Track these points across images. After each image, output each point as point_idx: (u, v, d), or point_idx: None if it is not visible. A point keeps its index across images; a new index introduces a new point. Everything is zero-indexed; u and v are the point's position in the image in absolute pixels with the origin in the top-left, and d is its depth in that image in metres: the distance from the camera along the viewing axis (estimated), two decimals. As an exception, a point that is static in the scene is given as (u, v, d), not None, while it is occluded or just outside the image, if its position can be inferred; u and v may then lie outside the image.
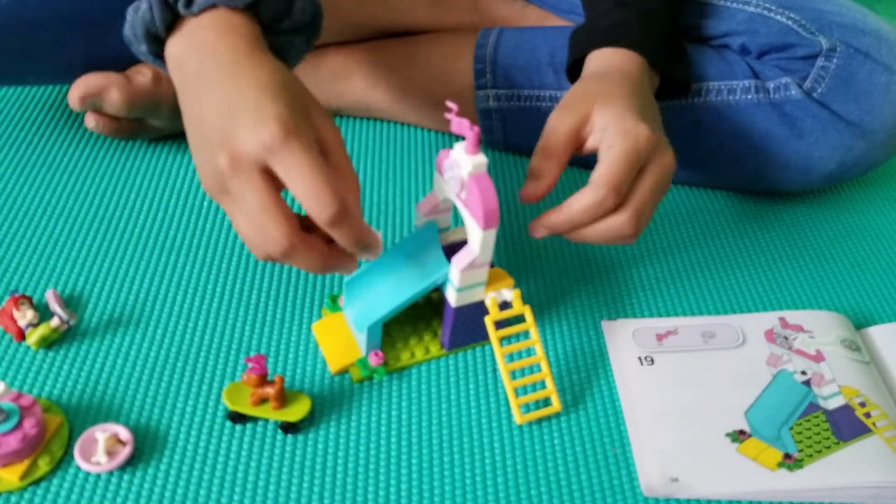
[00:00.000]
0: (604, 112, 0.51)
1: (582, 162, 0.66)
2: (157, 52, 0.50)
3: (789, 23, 0.66)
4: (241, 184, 0.43)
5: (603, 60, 0.59)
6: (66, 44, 0.64)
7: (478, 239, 0.49)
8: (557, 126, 0.52)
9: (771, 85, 0.66)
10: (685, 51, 0.67)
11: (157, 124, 0.70)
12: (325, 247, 0.45)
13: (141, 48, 0.49)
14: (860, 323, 0.62)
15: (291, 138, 0.41)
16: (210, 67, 0.46)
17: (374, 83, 0.75)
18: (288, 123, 0.42)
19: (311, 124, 0.44)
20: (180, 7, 0.47)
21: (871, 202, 0.75)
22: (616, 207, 0.50)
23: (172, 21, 0.48)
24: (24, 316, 0.54)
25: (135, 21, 0.48)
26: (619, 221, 0.50)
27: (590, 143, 0.52)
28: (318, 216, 0.42)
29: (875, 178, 0.78)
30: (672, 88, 0.65)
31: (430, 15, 0.76)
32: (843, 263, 0.68)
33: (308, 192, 0.42)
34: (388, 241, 0.65)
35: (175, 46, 0.48)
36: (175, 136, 0.73)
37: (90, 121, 0.68)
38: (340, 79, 0.75)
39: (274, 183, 0.43)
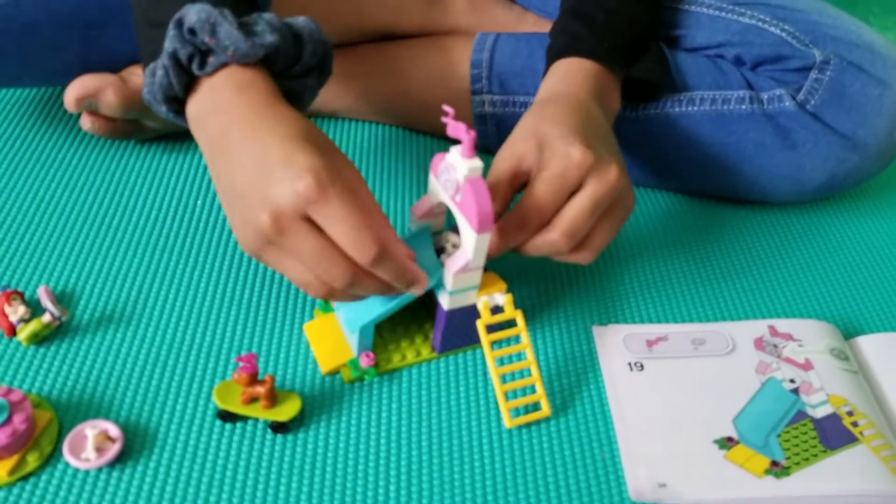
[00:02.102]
0: (537, 143, 0.53)
1: None
2: (178, 110, 0.51)
3: (783, 35, 0.67)
4: (292, 237, 0.44)
5: (551, 82, 0.60)
6: (61, 46, 0.64)
7: (471, 242, 0.50)
8: (497, 170, 0.54)
9: (765, 96, 0.67)
10: (654, 52, 0.66)
11: (152, 125, 0.70)
12: (378, 278, 0.47)
13: (161, 109, 0.50)
14: (849, 332, 0.62)
15: (327, 187, 0.43)
16: (232, 127, 0.47)
17: (370, 86, 0.76)
18: (320, 173, 0.43)
19: (339, 170, 0.45)
20: (195, 69, 0.48)
21: (861, 213, 0.76)
22: (544, 225, 0.52)
23: (189, 82, 0.49)
24: (16, 312, 0.54)
25: (153, 86, 0.49)
26: (550, 239, 0.51)
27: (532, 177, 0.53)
28: (361, 259, 0.44)
29: (866, 188, 0.79)
30: (642, 91, 0.66)
31: (426, 19, 0.76)
32: (833, 273, 0.68)
33: (349, 238, 0.44)
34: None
35: (195, 107, 0.49)
36: (168, 136, 0.73)
37: (86, 122, 0.68)
38: (336, 82, 0.75)
39: (317, 226, 0.45)
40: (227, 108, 0.47)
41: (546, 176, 0.51)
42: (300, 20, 0.51)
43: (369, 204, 0.46)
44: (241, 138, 0.46)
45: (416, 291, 0.49)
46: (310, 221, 0.44)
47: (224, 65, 0.48)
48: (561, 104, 0.57)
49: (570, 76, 0.60)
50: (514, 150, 0.54)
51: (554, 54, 0.62)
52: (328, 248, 0.44)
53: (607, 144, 0.55)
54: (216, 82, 0.48)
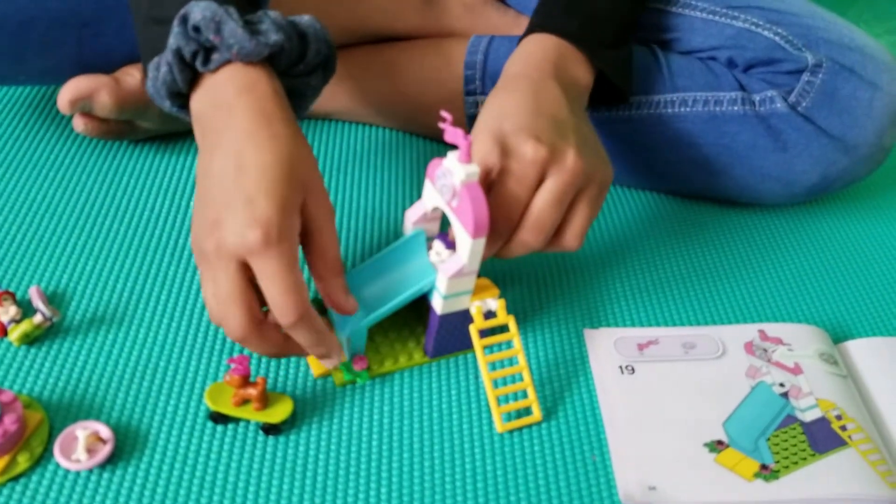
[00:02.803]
0: (491, 143, 0.52)
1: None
2: (183, 105, 0.51)
3: (776, 38, 0.67)
4: (218, 267, 0.45)
5: (514, 62, 0.59)
6: (56, 44, 0.64)
7: (467, 247, 0.50)
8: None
9: (757, 97, 0.67)
10: (626, 51, 0.65)
11: (146, 125, 0.70)
12: (280, 339, 0.48)
13: (165, 104, 0.51)
14: (838, 337, 0.63)
15: (272, 247, 0.44)
16: (225, 133, 0.47)
17: (364, 88, 0.76)
18: (271, 230, 0.44)
19: (302, 212, 0.46)
20: (198, 65, 0.48)
21: (852, 216, 0.76)
22: (514, 228, 0.52)
23: (193, 78, 0.49)
24: (7, 312, 0.53)
25: (156, 81, 0.49)
26: (521, 239, 0.52)
27: (491, 178, 0.53)
28: (280, 320, 0.46)
29: (856, 191, 0.79)
30: (612, 95, 0.65)
31: (421, 21, 0.76)
32: (823, 277, 0.69)
33: (274, 298, 0.45)
34: (376, 247, 0.65)
35: (197, 103, 0.49)
36: (161, 136, 0.73)
37: (79, 124, 0.67)
38: (332, 84, 0.75)
39: (249, 273, 0.46)
40: (225, 109, 0.47)
41: (504, 180, 0.51)
42: (305, 19, 0.51)
43: (325, 248, 0.48)
44: (227, 150, 0.46)
45: (327, 364, 0.51)
46: (244, 266, 0.45)
47: (228, 62, 0.48)
48: (514, 92, 0.56)
49: (530, 55, 0.59)
50: (475, 153, 0.53)
51: (525, 32, 0.62)
52: (238, 298, 0.45)
53: (563, 128, 0.53)
54: (219, 80, 0.48)
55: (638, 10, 0.68)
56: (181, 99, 0.50)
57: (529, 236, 0.52)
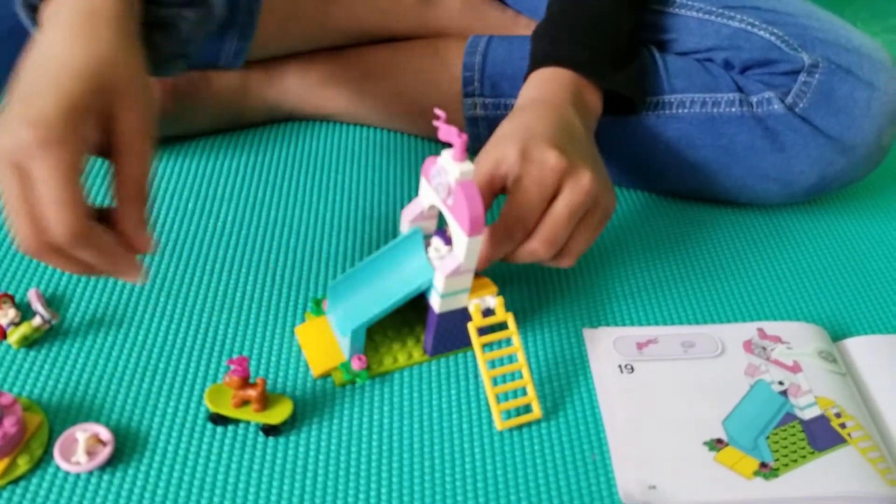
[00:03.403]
0: (514, 148, 0.53)
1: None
2: (35, 20, 0.48)
3: (772, 38, 0.67)
4: (2, 178, 0.41)
5: (530, 88, 0.61)
6: None
7: (463, 245, 0.50)
8: (476, 174, 0.54)
9: (754, 99, 0.67)
10: (636, 64, 0.67)
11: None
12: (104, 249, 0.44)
13: (24, 19, 0.48)
14: (837, 335, 0.63)
15: (46, 149, 0.40)
16: (45, 30, 0.44)
17: (361, 89, 0.76)
18: (48, 132, 0.39)
19: (109, 122, 0.42)
20: None
21: (850, 215, 0.76)
22: (528, 235, 0.53)
23: None
24: (6, 315, 0.54)
25: None
26: (530, 248, 0.53)
27: (509, 183, 0.54)
28: (53, 237, 0.41)
29: (854, 190, 0.79)
30: (621, 105, 0.66)
31: (419, 21, 0.76)
32: (822, 276, 0.69)
33: (46, 210, 0.40)
34: (374, 246, 0.65)
35: (43, 13, 0.46)
36: (159, 140, 0.73)
37: None
38: (328, 85, 0.76)
39: (27, 183, 0.41)
40: (61, 8, 0.44)
41: (524, 185, 0.52)
42: None
43: (128, 165, 0.44)
44: (38, 47, 0.43)
45: (130, 280, 0.46)
46: (22, 171, 0.40)
47: None
48: (537, 110, 0.57)
49: (547, 83, 0.60)
50: (492, 156, 0.54)
51: (534, 62, 0.62)
52: (22, 209, 0.41)
53: (582, 149, 0.55)
54: None
55: (639, 16, 0.68)
56: (34, 11, 0.47)
57: (540, 246, 0.52)
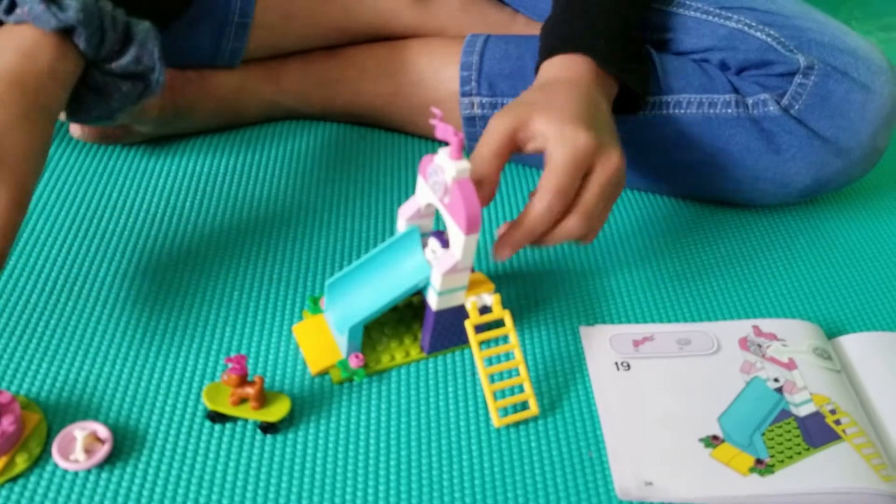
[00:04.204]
0: (543, 120, 0.54)
1: None
2: None
3: (769, 39, 0.68)
4: None
5: (551, 70, 0.61)
6: None
7: (460, 243, 0.50)
8: (494, 127, 0.54)
9: (750, 100, 0.67)
10: (644, 61, 0.67)
11: (142, 130, 0.70)
12: None
13: None
14: (832, 332, 0.63)
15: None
16: None
17: (359, 89, 0.76)
18: None
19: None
20: (1, 12, 0.48)
21: (845, 214, 0.77)
22: (566, 212, 0.53)
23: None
24: None
25: None
26: (570, 225, 0.54)
27: (529, 147, 0.55)
28: None
29: (849, 190, 0.79)
30: (629, 100, 0.66)
31: (416, 20, 0.76)
32: (817, 274, 0.69)
33: None
34: (371, 244, 0.66)
35: None
36: (157, 139, 0.73)
37: (75, 129, 0.67)
38: (326, 84, 0.76)
39: None
40: None
41: (561, 163, 0.52)
42: (143, 24, 0.51)
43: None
44: None
45: None
46: None
47: (25, 21, 0.47)
48: (562, 87, 0.57)
49: (565, 68, 0.60)
50: (515, 113, 0.54)
51: (548, 51, 0.62)
52: None
53: (608, 129, 0.56)
54: (6, 32, 0.48)
55: (642, 14, 0.69)
56: None
57: (578, 223, 0.53)
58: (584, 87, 0.58)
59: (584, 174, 0.53)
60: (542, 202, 0.52)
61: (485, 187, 0.53)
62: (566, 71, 0.60)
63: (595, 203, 0.54)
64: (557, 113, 0.54)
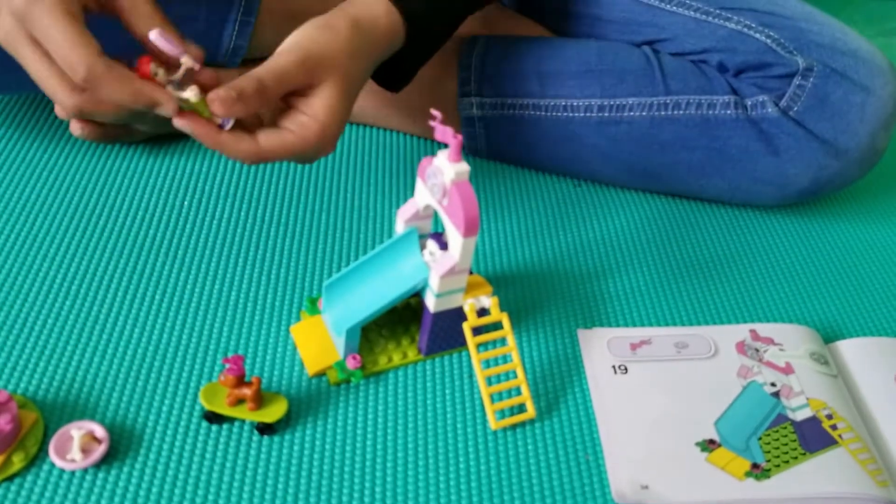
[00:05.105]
0: (327, 98, 0.52)
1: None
2: None
3: (768, 41, 0.68)
4: (19, 52, 0.47)
5: (374, 9, 0.57)
6: None
7: (458, 245, 0.50)
8: (287, 78, 0.52)
9: (748, 102, 0.67)
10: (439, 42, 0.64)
11: (142, 129, 0.70)
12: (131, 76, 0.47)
13: None
14: (829, 337, 0.63)
15: (33, 4, 0.44)
16: None
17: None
18: None
19: None
20: None
21: (843, 217, 0.77)
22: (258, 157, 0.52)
23: None
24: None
25: None
26: (237, 154, 0.51)
27: (300, 104, 0.53)
28: (75, 79, 0.46)
29: (847, 193, 0.79)
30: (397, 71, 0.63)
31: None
32: (814, 278, 0.69)
33: (61, 56, 0.45)
34: (369, 245, 0.66)
35: None
36: (156, 138, 0.73)
37: (76, 128, 0.67)
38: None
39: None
40: None
41: (298, 148, 0.52)
42: None
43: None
44: None
45: (164, 112, 0.49)
46: (31, 37, 0.46)
47: None
48: (363, 57, 0.55)
49: (383, 18, 0.57)
50: (314, 74, 0.53)
51: None
52: (45, 70, 0.46)
53: (350, 104, 0.55)
54: None
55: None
56: None
57: (245, 161, 0.52)
58: (377, 52, 0.57)
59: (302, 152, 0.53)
60: (250, 152, 0.51)
61: (241, 109, 0.50)
62: (379, 18, 0.57)
63: (273, 159, 0.52)
64: (344, 101, 0.53)
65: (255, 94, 0.51)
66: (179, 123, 0.50)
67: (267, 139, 0.52)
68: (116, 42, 0.66)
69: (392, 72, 0.63)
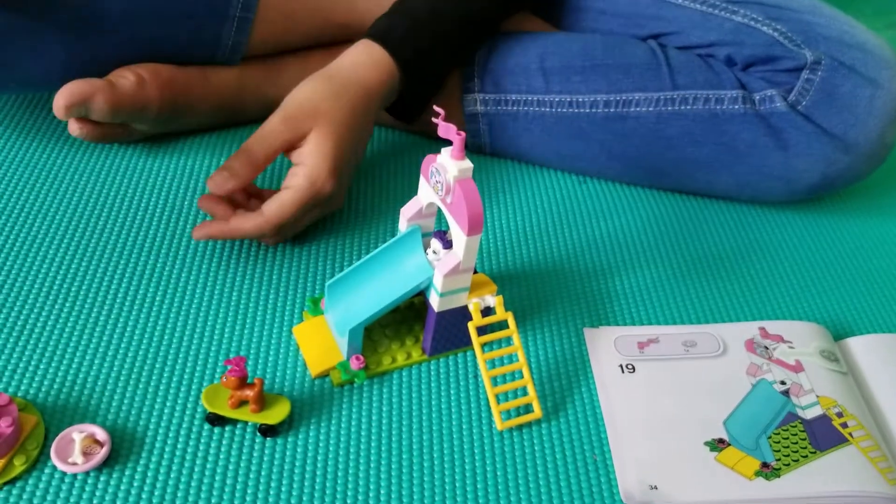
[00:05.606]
0: (312, 143, 0.58)
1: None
2: None
3: (775, 34, 0.67)
4: None
5: (353, 55, 0.64)
6: (42, 50, 0.63)
7: (462, 244, 0.50)
8: (272, 137, 0.58)
9: (757, 96, 0.67)
10: (439, 80, 0.70)
11: (140, 128, 0.69)
12: None
13: None
14: (839, 334, 0.62)
15: None
16: None
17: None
18: None
19: None
20: None
21: (852, 214, 0.76)
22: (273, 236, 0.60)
23: None
24: None
25: None
26: (263, 239, 0.60)
27: (294, 157, 0.59)
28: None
29: (857, 189, 0.79)
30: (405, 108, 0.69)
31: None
32: (824, 275, 0.68)
33: None
34: (372, 245, 0.65)
35: None
36: (155, 137, 0.72)
37: (74, 128, 0.66)
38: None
39: None
40: None
41: (296, 201, 0.57)
42: None
43: None
44: None
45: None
46: None
47: None
48: (349, 103, 0.60)
49: (373, 67, 0.63)
50: (297, 128, 0.58)
51: (373, 33, 0.64)
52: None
53: (352, 161, 0.62)
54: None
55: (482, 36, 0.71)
56: None
57: (269, 241, 0.62)
58: (368, 100, 0.62)
59: (306, 208, 0.59)
60: (256, 225, 0.58)
61: (231, 183, 0.57)
62: (364, 67, 0.63)
63: (291, 225, 0.60)
64: (330, 141, 0.58)
65: (245, 163, 0.57)
66: (197, 236, 0.59)
67: (268, 205, 0.58)
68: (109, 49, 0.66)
69: (403, 106, 0.69)
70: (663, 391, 0.55)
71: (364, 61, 0.63)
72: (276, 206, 0.57)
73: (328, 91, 0.60)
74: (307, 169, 0.58)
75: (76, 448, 0.47)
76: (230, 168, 0.57)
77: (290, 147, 0.59)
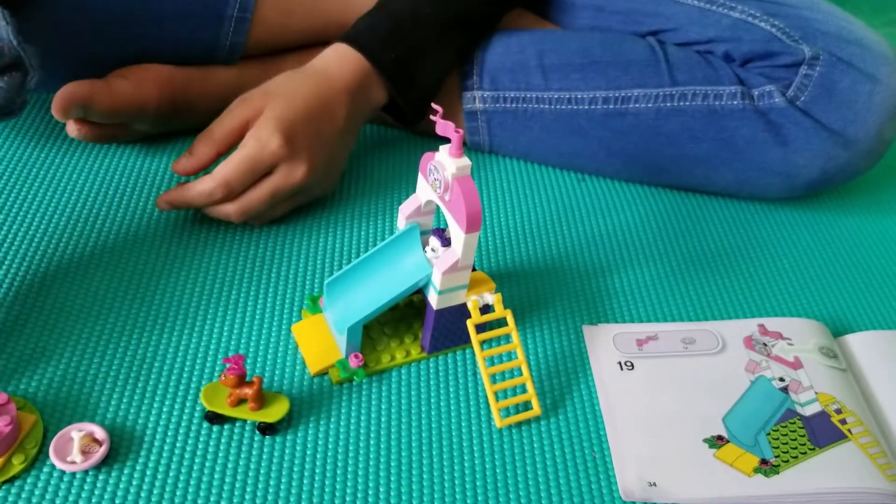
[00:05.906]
0: (265, 113, 0.59)
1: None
2: None
3: (773, 30, 0.67)
4: None
5: (328, 56, 0.64)
6: (40, 52, 0.63)
7: (460, 242, 0.50)
8: (229, 116, 0.60)
9: (755, 92, 0.67)
10: (430, 81, 0.69)
11: (139, 128, 0.69)
12: None
13: None
14: (838, 331, 0.62)
15: None
16: None
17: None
18: None
19: None
20: None
21: (851, 210, 0.76)
22: (227, 199, 0.60)
23: None
24: None
25: None
26: (226, 210, 0.61)
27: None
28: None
29: (856, 186, 0.79)
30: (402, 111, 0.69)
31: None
32: (823, 272, 0.68)
33: None
34: (371, 243, 0.65)
35: None
36: (153, 137, 0.72)
37: (73, 129, 0.66)
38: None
39: None
40: None
41: (240, 157, 0.58)
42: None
43: None
44: None
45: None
46: None
47: None
48: (308, 87, 0.61)
49: (343, 63, 0.64)
50: (253, 106, 0.60)
51: (344, 36, 0.65)
52: None
53: (319, 140, 0.61)
54: None
55: (468, 44, 0.71)
56: None
57: (233, 212, 0.61)
58: (331, 94, 0.62)
59: (261, 175, 0.59)
60: (206, 185, 0.58)
61: (193, 162, 0.60)
62: (336, 65, 0.63)
63: (258, 203, 0.60)
64: (277, 110, 0.59)
65: (206, 142, 0.60)
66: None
67: (221, 166, 0.59)
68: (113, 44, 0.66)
69: (400, 111, 0.69)
70: (662, 388, 0.55)
71: (331, 56, 0.64)
72: (223, 164, 0.59)
73: (290, 77, 0.62)
74: (255, 130, 0.59)
75: (75, 447, 0.47)
76: (191, 149, 0.60)
77: (249, 125, 0.60)
